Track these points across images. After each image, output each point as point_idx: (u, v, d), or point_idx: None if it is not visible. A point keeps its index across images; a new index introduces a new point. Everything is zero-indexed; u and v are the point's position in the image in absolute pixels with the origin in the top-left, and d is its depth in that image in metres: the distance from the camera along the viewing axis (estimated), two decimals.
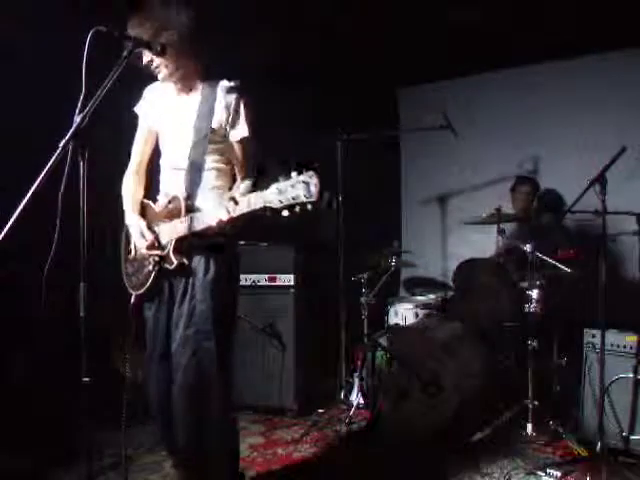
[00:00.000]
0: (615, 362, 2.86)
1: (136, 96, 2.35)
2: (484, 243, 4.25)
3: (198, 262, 2.11)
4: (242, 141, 2.17)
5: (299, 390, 3.60)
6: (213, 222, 1.95)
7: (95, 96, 1.66)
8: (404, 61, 4.47)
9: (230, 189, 2.18)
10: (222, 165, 2.20)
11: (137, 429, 3.11)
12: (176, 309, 2.12)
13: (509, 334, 3.37)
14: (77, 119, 1.62)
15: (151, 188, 2.35)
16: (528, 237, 3.50)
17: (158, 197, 2.27)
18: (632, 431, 2.79)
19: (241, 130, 2.16)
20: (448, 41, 4.18)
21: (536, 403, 2.98)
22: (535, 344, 3.13)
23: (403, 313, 3.88)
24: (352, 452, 3.05)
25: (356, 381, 3.56)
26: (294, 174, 1.75)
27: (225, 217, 1.91)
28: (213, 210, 1.96)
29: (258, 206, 1.83)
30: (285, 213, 1.84)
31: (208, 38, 2.17)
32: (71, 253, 1.63)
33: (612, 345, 2.89)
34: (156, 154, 2.35)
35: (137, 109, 2.34)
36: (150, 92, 2.32)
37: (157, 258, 2.12)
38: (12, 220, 1.49)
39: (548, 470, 2.66)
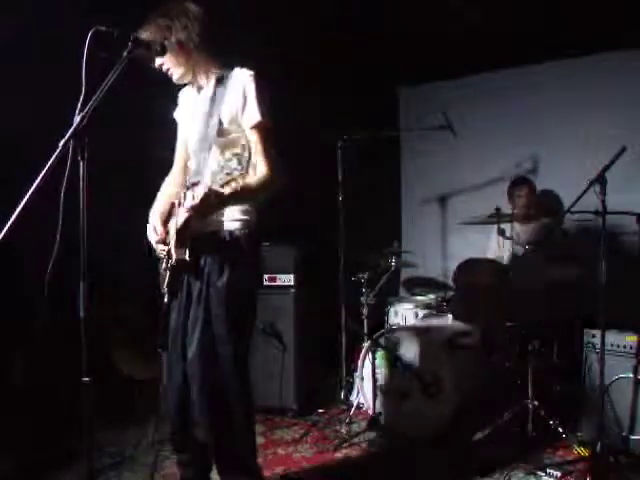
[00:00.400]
0: (615, 362, 2.86)
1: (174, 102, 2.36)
2: (484, 243, 4.25)
3: (212, 265, 2.07)
4: (256, 127, 2.04)
5: (299, 390, 3.61)
6: (188, 213, 1.91)
7: (95, 96, 1.66)
8: (404, 61, 4.47)
9: None
10: (240, 157, 2.13)
11: (137, 429, 3.11)
12: (192, 311, 2.09)
13: (509, 334, 3.36)
14: (77, 119, 1.62)
15: None
16: (530, 237, 3.52)
17: None
18: (632, 431, 2.79)
19: (252, 115, 2.03)
20: (448, 41, 4.18)
21: (536, 403, 2.98)
22: (535, 344, 3.13)
23: (403, 313, 3.89)
24: (352, 452, 3.05)
25: (356, 381, 3.55)
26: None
27: (188, 205, 1.89)
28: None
29: (204, 192, 1.82)
30: (227, 190, 1.82)
31: (220, 34, 2.16)
32: (71, 253, 1.63)
33: (612, 345, 2.90)
34: None
35: (175, 115, 2.34)
36: (181, 95, 2.33)
37: (164, 254, 2.11)
38: (12, 220, 1.48)
39: (548, 470, 2.66)
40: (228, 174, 1.76)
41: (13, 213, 1.49)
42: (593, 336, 2.97)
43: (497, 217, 3.40)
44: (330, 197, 3.74)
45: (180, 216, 2.00)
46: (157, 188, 2.34)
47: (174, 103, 2.37)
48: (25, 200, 1.50)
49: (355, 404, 3.46)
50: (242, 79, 2.06)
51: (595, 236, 2.72)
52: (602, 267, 2.63)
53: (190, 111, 2.25)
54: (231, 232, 2.10)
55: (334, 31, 4.21)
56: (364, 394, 3.36)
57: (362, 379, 3.36)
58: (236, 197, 1.96)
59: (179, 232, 2.00)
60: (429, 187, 5.01)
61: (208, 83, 2.17)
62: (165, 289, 2.12)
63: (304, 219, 4.30)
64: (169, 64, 2.09)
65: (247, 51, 2.21)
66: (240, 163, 1.74)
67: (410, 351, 3.20)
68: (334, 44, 4.22)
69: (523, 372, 3.15)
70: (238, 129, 2.07)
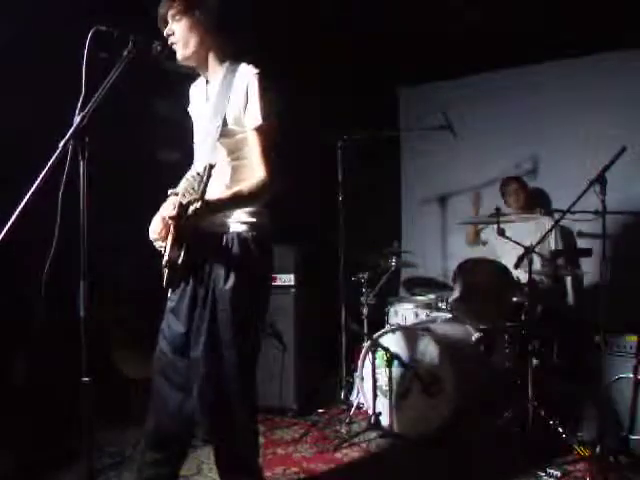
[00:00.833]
0: (615, 362, 2.86)
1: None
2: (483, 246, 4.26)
3: (217, 270, 2.04)
4: (257, 130, 2.00)
5: (299, 390, 3.61)
6: (169, 222, 1.91)
7: (95, 96, 1.66)
8: (404, 61, 4.48)
9: None
10: (245, 161, 2.06)
11: (137, 429, 3.11)
12: (198, 314, 2.07)
13: (509, 334, 3.36)
14: (77, 119, 1.62)
15: None
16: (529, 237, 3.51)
17: None
18: (632, 431, 2.79)
19: (254, 117, 1.99)
20: (448, 41, 4.19)
21: (536, 403, 2.98)
22: (535, 344, 3.13)
23: (403, 313, 3.89)
24: (352, 452, 3.05)
25: (356, 381, 3.55)
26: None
27: (164, 214, 1.90)
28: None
29: (179, 201, 1.82)
30: (213, 199, 1.84)
31: (230, 26, 2.15)
32: (71, 253, 1.63)
33: (612, 345, 2.90)
34: None
35: (189, 109, 2.30)
36: (192, 90, 2.30)
37: (162, 250, 2.09)
38: (12, 220, 1.49)
39: (548, 470, 2.66)
40: (190, 194, 1.79)
41: (13, 213, 1.49)
42: (593, 336, 2.96)
43: (497, 217, 3.40)
44: (330, 197, 3.74)
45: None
46: (157, 188, 2.33)
47: (174, 103, 2.36)
48: (25, 200, 1.50)
49: (355, 404, 3.47)
50: (247, 77, 2.03)
51: (595, 236, 2.72)
52: (602, 267, 2.63)
53: (198, 107, 2.23)
54: (238, 234, 2.06)
55: (334, 31, 4.21)
56: (364, 394, 3.36)
57: (362, 379, 3.36)
58: (226, 203, 1.96)
59: (175, 231, 1.95)
60: (429, 187, 5.01)
61: (216, 75, 2.13)
62: (165, 286, 2.10)
63: (304, 219, 4.30)
64: (178, 37, 2.05)
65: (247, 51, 2.21)
66: (198, 186, 1.75)
67: (410, 351, 3.20)
68: (334, 44, 4.22)
69: (523, 372, 3.15)
70: (243, 129, 2.04)
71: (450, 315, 3.65)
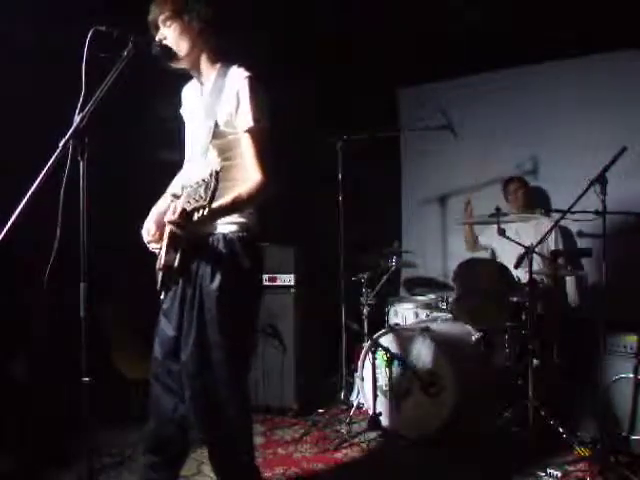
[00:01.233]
0: (615, 362, 2.86)
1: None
2: (484, 243, 4.26)
3: (204, 269, 2.04)
4: (249, 132, 2.00)
5: (299, 390, 3.61)
6: (169, 226, 1.89)
7: (95, 96, 1.66)
8: (404, 61, 4.47)
9: None
10: (236, 161, 2.06)
11: (136, 429, 3.11)
12: (186, 315, 2.06)
13: (509, 334, 3.36)
14: (77, 119, 1.62)
15: None
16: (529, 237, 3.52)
17: None
18: (632, 431, 2.79)
19: (245, 120, 1.99)
20: (448, 41, 4.19)
21: (536, 403, 2.98)
22: (535, 344, 3.13)
23: (403, 313, 3.89)
24: (352, 452, 3.05)
25: (356, 381, 3.56)
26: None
27: (167, 219, 1.87)
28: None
29: (181, 207, 1.80)
30: (214, 205, 1.78)
31: (224, 28, 2.15)
32: (72, 253, 1.63)
33: (612, 345, 2.90)
34: None
35: (181, 111, 2.31)
36: (184, 92, 2.31)
37: (158, 252, 2.09)
38: (12, 220, 1.49)
39: (548, 470, 2.66)
40: (196, 201, 1.76)
41: (13, 213, 1.49)
42: (594, 336, 2.96)
43: (497, 217, 3.40)
44: (330, 197, 3.74)
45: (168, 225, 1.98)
46: (156, 187, 2.33)
47: (173, 103, 2.36)
48: (25, 200, 1.50)
49: (355, 404, 3.47)
50: (237, 80, 2.03)
51: (595, 236, 2.72)
52: (602, 267, 2.63)
53: (190, 109, 2.24)
54: (225, 235, 2.06)
55: (334, 31, 4.21)
56: (364, 394, 3.37)
57: (362, 379, 3.36)
58: (227, 209, 1.95)
59: (169, 237, 1.96)
60: (429, 187, 5.01)
61: (208, 77, 2.13)
62: (158, 290, 2.10)
63: (304, 219, 4.30)
64: (170, 42, 2.05)
65: (246, 51, 2.21)
66: (205, 192, 1.72)
67: (410, 351, 3.20)
68: (334, 44, 4.22)
69: (523, 372, 3.15)
70: (234, 131, 2.04)
71: (450, 315, 3.64)
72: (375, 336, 3.34)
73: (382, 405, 3.25)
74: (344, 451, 3.06)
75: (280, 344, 3.61)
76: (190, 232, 1.88)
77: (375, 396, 3.25)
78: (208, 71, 2.13)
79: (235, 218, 2.07)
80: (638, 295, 3.57)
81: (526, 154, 4.45)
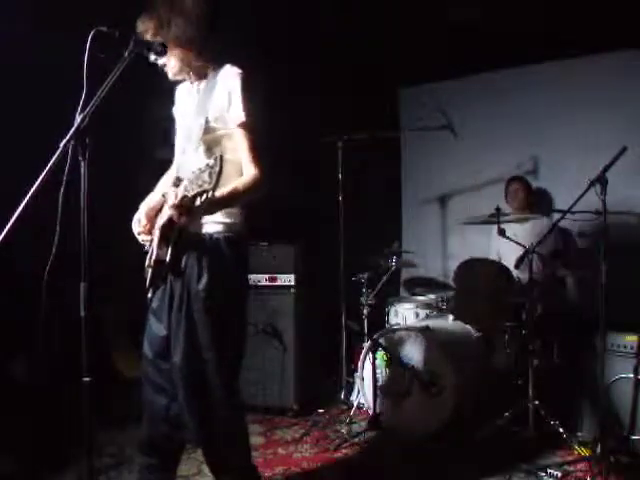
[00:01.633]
0: (615, 362, 2.86)
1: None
2: (484, 243, 4.25)
3: (191, 270, 2.03)
4: (241, 127, 2.02)
5: (299, 390, 3.61)
6: (170, 211, 1.86)
7: (96, 96, 1.66)
8: (404, 61, 4.47)
9: None
10: (228, 157, 2.03)
11: (137, 429, 3.11)
12: (174, 317, 2.06)
13: (509, 334, 3.36)
14: (78, 119, 1.62)
15: None
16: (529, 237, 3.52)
17: None
18: (632, 431, 2.79)
19: (237, 114, 2.01)
20: (448, 41, 4.19)
21: (536, 403, 2.98)
22: (535, 344, 3.13)
23: (403, 313, 3.88)
24: (352, 452, 3.05)
25: (356, 381, 3.56)
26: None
27: (170, 203, 1.85)
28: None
29: (183, 192, 1.79)
30: (197, 202, 1.77)
31: (217, 34, 2.14)
32: (72, 253, 1.63)
33: (612, 345, 2.90)
34: None
35: (173, 111, 2.32)
36: (177, 92, 2.32)
37: (148, 245, 2.07)
38: (12, 220, 1.49)
39: (548, 470, 2.66)
40: (200, 186, 1.74)
41: (13, 213, 1.49)
42: (593, 336, 2.96)
43: (497, 217, 3.40)
44: (330, 197, 3.74)
45: (164, 214, 1.98)
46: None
47: (172, 101, 2.36)
48: (25, 200, 1.50)
49: (355, 404, 3.47)
50: (229, 77, 2.05)
51: (596, 236, 2.72)
52: (602, 267, 2.63)
53: (182, 107, 2.25)
54: (211, 235, 2.06)
55: (334, 31, 4.21)
56: (364, 394, 3.37)
57: (362, 379, 3.36)
58: (225, 201, 1.95)
59: (162, 229, 1.96)
60: (429, 187, 5.01)
61: (202, 77, 2.14)
62: (147, 287, 2.07)
63: (304, 219, 4.30)
64: (164, 61, 2.06)
65: (247, 51, 2.21)
66: (210, 177, 1.71)
67: (410, 351, 3.20)
68: (334, 44, 4.22)
69: (523, 372, 3.15)
70: (224, 127, 2.05)
71: (450, 315, 3.64)
72: (375, 336, 3.34)
73: (382, 405, 3.25)
74: (344, 451, 3.06)
75: (280, 344, 3.61)
76: (190, 220, 1.87)
77: (375, 396, 3.25)
78: (201, 74, 2.15)
79: (221, 218, 2.07)
80: (638, 295, 3.56)
81: (526, 154, 4.46)
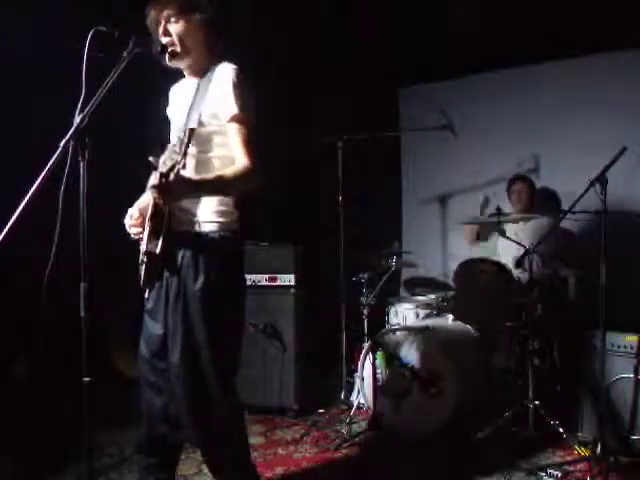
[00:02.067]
0: (615, 362, 2.87)
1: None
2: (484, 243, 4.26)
3: (187, 269, 2.02)
4: (234, 119, 1.99)
5: (299, 390, 3.60)
6: (151, 192, 1.82)
7: (95, 96, 1.66)
8: (404, 61, 4.48)
9: None
10: (214, 153, 2.06)
11: (137, 429, 3.11)
12: (171, 317, 2.05)
13: (509, 334, 3.36)
14: (77, 119, 1.62)
15: None
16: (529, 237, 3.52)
17: None
18: (632, 431, 2.79)
19: (230, 108, 1.99)
20: (448, 41, 4.18)
21: (536, 403, 2.98)
22: (535, 344, 3.13)
23: (403, 313, 3.88)
24: (352, 452, 3.05)
25: (356, 381, 3.56)
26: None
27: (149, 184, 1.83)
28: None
29: (159, 172, 1.76)
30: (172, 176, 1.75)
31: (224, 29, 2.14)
32: (72, 253, 1.63)
33: (612, 345, 2.90)
34: None
35: (167, 111, 2.31)
36: (171, 92, 2.31)
37: (139, 238, 2.07)
38: (12, 221, 1.49)
39: (548, 470, 2.66)
40: (172, 159, 1.74)
41: (13, 214, 1.49)
42: (593, 336, 2.96)
43: (497, 217, 3.40)
44: (330, 197, 3.74)
45: (150, 202, 1.97)
46: None
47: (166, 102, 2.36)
48: (25, 201, 1.50)
49: (355, 404, 3.47)
50: (224, 73, 2.04)
51: (596, 236, 2.72)
52: (602, 267, 2.62)
53: (176, 105, 2.24)
54: (207, 233, 2.05)
55: (334, 31, 4.21)
56: (364, 394, 3.37)
57: (362, 379, 3.36)
58: (209, 184, 1.93)
59: (151, 220, 1.95)
60: (429, 187, 5.01)
61: (202, 74, 2.13)
62: (142, 285, 2.06)
63: (304, 219, 4.30)
64: (175, 38, 2.04)
65: (247, 51, 2.21)
66: (180, 147, 1.71)
67: (410, 351, 3.20)
68: (334, 44, 4.22)
69: (523, 372, 3.15)
70: (218, 123, 2.04)
71: (450, 315, 3.64)
72: (375, 336, 3.33)
73: (382, 405, 3.25)
74: (344, 451, 3.05)
75: (280, 344, 3.61)
76: (171, 199, 1.85)
77: (375, 396, 3.25)
78: (203, 68, 2.13)
79: (216, 217, 2.07)
80: (638, 295, 3.57)
81: (526, 154, 4.45)
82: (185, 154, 1.71)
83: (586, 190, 2.63)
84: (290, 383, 3.59)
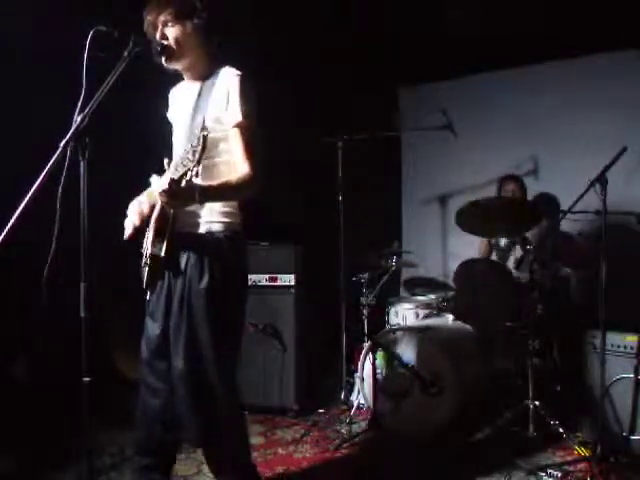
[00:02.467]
0: (615, 362, 2.86)
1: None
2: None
3: (192, 270, 2.04)
4: (238, 127, 2.02)
5: (299, 390, 3.61)
6: (160, 198, 1.85)
7: (96, 96, 1.66)
8: (404, 61, 4.48)
9: None
10: (220, 159, 2.08)
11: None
12: (174, 317, 2.06)
13: (509, 334, 3.36)
14: (77, 119, 1.62)
15: None
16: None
17: None
18: (632, 431, 2.79)
19: (234, 115, 2.01)
20: (448, 41, 4.18)
21: (536, 403, 2.98)
22: (535, 344, 3.13)
23: (403, 313, 3.88)
24: (352, 452, 3.05)
25: (356, 381, 3.56)
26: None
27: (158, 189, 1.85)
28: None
29: (170, 178, 1.79)
30: (204, 184, 1.80)
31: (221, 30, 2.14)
32: (71, 253, 1.63)
33: (612, 345, 2.89)
34: None
35: (168, 114, 2.32)
36: (171, 95, 2.32)
37: (144, 242, 2.08)
38: (12, 221, 1.49)
39: (548, 470, 2.66)
40: (185, 166, 1.74)
41: (13, 214, 1.49)
42: (593, 336, 2.96)
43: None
44: (330, 197, 3.74)
45: (157, 206, 1.99)
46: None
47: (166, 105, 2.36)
48: (25, 201, 1.50)
49: (355, 404, 3.46)
50: (228, 79, 2.05)
51: (596, 236, 2.72)
52: (602, 267, 2.62)
53: (178, 108, 2.24)
54: (211, 234, 2.07)
55: (334, 31, 4.21)
56: (364, 394, 3.37)
57: (362, 379, 3.36)
58: (215, 190, 1.96)
59: (156, 222, 1.97)
60: (429, 187, 5.01)
61: (202, 78, 2.14)
62: (145, 287, 2.09)
63: (304, 219, 4.30)
64: (171, 42, 2.05)
65: (247, 51, 2.21)
66: (194, 155, 1.71)
67: (410, 351, 3.20)
68: (334, 44, 4.22)
69: (523, 372, 3.15)
70: (222, 129, 2.05)
71: (450, 315, 3.64)
72: (375, 336, 3.33)
73: (382, 405, 3.25)
74: (344, 451, 3.05)
75: (280, 344, 3.61)
76: (179, 204, 1.87)
77: (375, 396, 3.25)
78: (203, 71, 2.14)
79: (219, 217, 2.08)
80: (638, 295, 3.57)
81: (526, 154, 4.45)
82: (199, 162, 1.71)
83: (586, 190, 2.63)
84: (290, 383, 3.59)
